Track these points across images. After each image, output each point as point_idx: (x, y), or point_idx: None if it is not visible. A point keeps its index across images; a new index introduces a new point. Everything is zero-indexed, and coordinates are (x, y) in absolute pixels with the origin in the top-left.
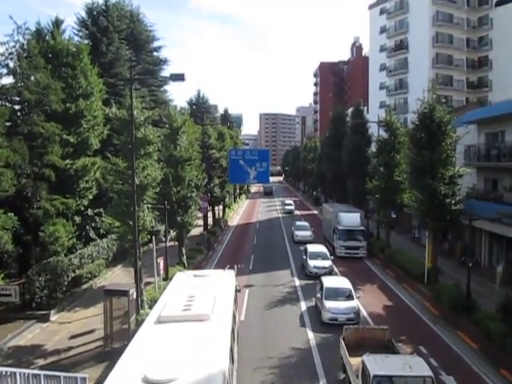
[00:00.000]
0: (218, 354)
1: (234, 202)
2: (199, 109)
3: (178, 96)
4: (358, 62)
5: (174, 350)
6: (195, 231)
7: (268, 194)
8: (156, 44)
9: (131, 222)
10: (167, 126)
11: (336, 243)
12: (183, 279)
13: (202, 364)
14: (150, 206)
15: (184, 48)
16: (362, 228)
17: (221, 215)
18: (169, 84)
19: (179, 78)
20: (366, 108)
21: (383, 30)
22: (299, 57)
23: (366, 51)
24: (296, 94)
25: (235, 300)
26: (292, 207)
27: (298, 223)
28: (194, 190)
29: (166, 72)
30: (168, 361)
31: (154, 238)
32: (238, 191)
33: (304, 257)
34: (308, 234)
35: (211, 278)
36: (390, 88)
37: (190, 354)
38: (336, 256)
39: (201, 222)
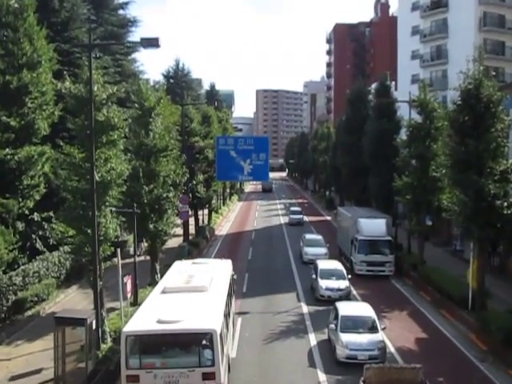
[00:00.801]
0: (214, 310)
1: (224, 204)
2: (178, 84)
3: (151, 68)
4: (384, 23)
5: (178, 307)
6: (173, 242)
7: (267, 191)
8: None
9: (90, 231)
10: (137, 105)
11: (355, 258)
12: (182, 265)
13: (201, 314)
14: (114, 209)
15: (160, 5)
16: (389, 238)
17: (206, 222)
18: (139, 51)
19: (152, 43)
20: (393, 83)
21: None
22: (308, 19)
23: (393, 10)
24: (303, 67)
25: (231, 285)
26: (300, 216)
27: (309, 236)
28: (171, 188)
29: (135, 36)
30: (174, 312)
31: (119, 250)
32: (228, 191)
33: (313, 276)
34: (322, 251)
35: (209, 264)
36: (425, 57)
37: (191, 309)
38: (355, 274)
39: (180, 230)
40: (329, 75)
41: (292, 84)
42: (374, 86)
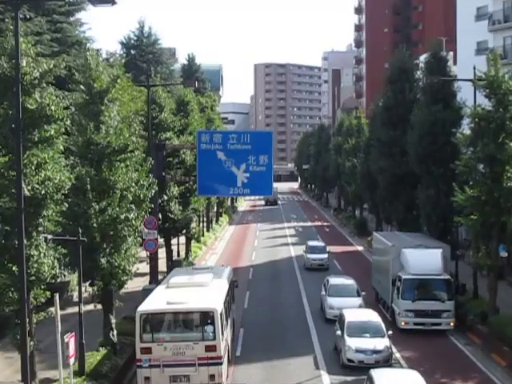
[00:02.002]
0: (215, 297)
1: (208, 229)
2: (143, 56)
3: (105, 34)
4: None
5: (183, 294)
6: (135, 284)
7: (270, 203)
8: None
9: (15, 268)
10: (83, 87)
11: (398, 306)
12: (183, 269)
13: (204, 298)
14: (50, 236)
15: None
16: (446, 277)
17: (183, 254)
18: (86, 10)
19: None
20: (451, 54)
21: None
22: None
23: None
24: (321, 34)
25: (231, 287)
26: (324, 256)
27: (335, 281)
28: (133, 207)
29: None
30: (181, 296)
31: (57, 296)
32: (214, 210)
33: (338, 331)
34: (355, 303)
35: (209, 268)
36: (496, 17)
37: (196, 295)
38: (398, 329)
39: (145, 266)
40: (358, 43)
41: (306, 58)
42: (423, 57)
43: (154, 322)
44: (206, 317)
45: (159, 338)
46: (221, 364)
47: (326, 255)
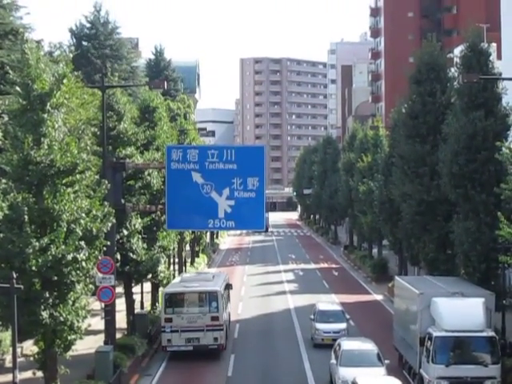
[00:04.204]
0: (217, 284)
1: (180, 273)
2: (98, 48)
3: (48, 20)
4: None
5: (195, 282)
6: (86, 344)
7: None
8: None
9: None
10: (19, 89)
11: (428, 371)
12: (189, 273)
13: (210, 283)
14: None
15: None
16: (490, 334)
17: (147, 306)
18: None
19: None
20: (493, 46)
21: None
22: None
23: None
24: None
25: (228, 286)
26: (343, 327)
27: (349, 345)
28: (83, 244)
29: None
30: (192, 283)
31: None
32: (188, 248)
33: None
34: (377, 373)
35: (210, 273)
36: None
37: (204, 282)
38: None
39: (99, 322)
40: (375, 32)
41: (307, 53)
42: (458, 50)
43: (174, 299)
44: (212, 296)
45: (177, 310)
46: (222, 330)
47: (343, 325)
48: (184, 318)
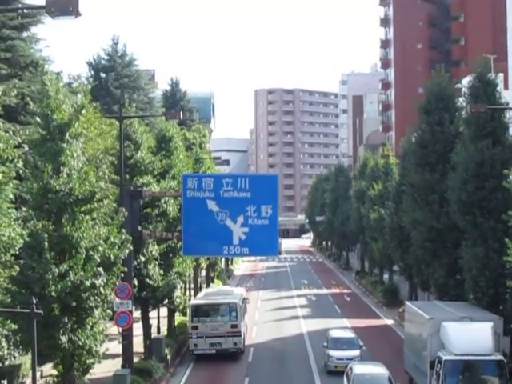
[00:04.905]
0: (236, 297)
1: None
2: (116, 79)
3: (67, 53)
4: None
5: (217, 295)
6: (104, 368)
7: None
8: None
9: None
10: (39, 120)
11: None
12: (212, 289)
13: (230, 296)
14: None
15: None
16: (499, 358)
17: (164, 331)
18: (43, 23)
19: (66, 8)
20: (501, 76)
21: None
22: None
23: None
24: (338, 54)
25: (245, 300)
26: (356, 354)
27: (360, 369)
28: (101, 271)
29: None
30: (216, 296)
31: (5, 383)
32: (203, 274)
33: None
34: None
35: (230, 289)
36: None
37: (224, 296)
38: None
39: (117, 346)
40: (385, 63)
41: (319, 84)
42: (466, 80)
43: (200, 310)
44: (231, 307)
45: (202, 319)
46: (240, 336)
47: (357, 352)
48: (208, 326)
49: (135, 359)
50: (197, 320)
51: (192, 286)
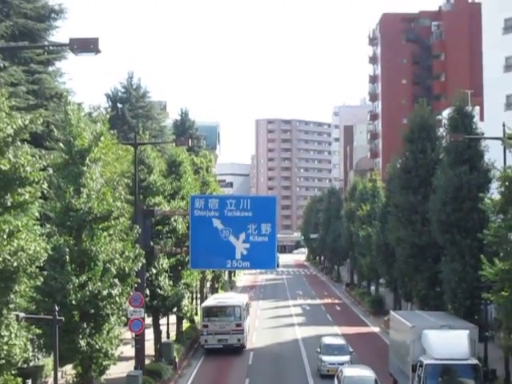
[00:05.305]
0: (240, 301)
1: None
2: (131, 110)
3: (87, 86)
4: (460, 14)
5: (224, 299)
6: (118, 369)
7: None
8: None
9: None
10: (62, 146)
11: None
12: (218, 294)
13: (234, 300)
14: (22, 315)
15: None
16: (474, 362)
17: (173, 336)
18: (67, 59)
19: (87, 46)
20: (477, 109)
21: None
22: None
23: None
24: (332, 88)
25: (247, 304)
26: (346, 360)
27: (350, 372)
28: (117, 282)
29: (61, 35)
30: (223, 299)
31: (29, 382)
32: (208, 285)
33: None
34: None
35: (233, 293)
36: None
37: (230, 300)
38: None
39: (130, 349)
40: (373, 96)
41: (314, 114)
42: (446, 112)
43: (210, 311)
44: (236, 309)
45: (212, 319)
46: (243, 333)
47: (347, 357)
48: (216, 325)
49: (147, 361)
50: (207, 320)
51: (198, 295)
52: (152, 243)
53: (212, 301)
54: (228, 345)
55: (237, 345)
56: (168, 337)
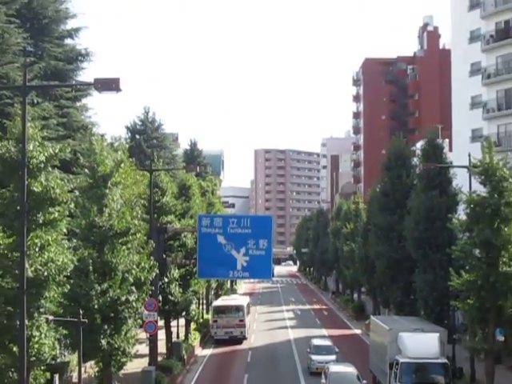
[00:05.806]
0: (242, 302)
1: (208, 311)
2: (147, 140)
3: (110, 119)
4: (432, 58)
5: (229, 300)
6: (134, 365)
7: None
8: (71, 25)
9: (16, 348)
10: (87, 171)
11: None
12: (225, 296)
13: (238, 300)
14: (51, 317)
15: (123, 33)
16: (444, 361)
17: (182, 337)
18: (92, 95)
19: (110, 86)
20: (446, 141)
21: (475, 4)
22: (322, 58)
23: (445, 40)
24: (320, 122)
25: (248, 304)
26: (333, 359)
27: (335, 368)
28: (134, 289)
29: (87, 75)
30: (228, 300)
31: (57, 377)
32: (213, 292)
33: None
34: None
35: (237, 295)
36: (490, 106)
37: (234, 301)
38: None
39: (144, 348)
40: (356, 130)
41: (305, 145)
42: (419, 144)
43: (218, 309)
44: (239, 308)
45: (220, 315)
46: (245, 327)
47: (333, 356)
48: (224, 320)
49: (159, 358)
50: (216, 316)
51: (204, 301)
52: (164, 256)
53: (220, 301)
54: (233, 336)
55: (240, 336)
56: (178, 337)
